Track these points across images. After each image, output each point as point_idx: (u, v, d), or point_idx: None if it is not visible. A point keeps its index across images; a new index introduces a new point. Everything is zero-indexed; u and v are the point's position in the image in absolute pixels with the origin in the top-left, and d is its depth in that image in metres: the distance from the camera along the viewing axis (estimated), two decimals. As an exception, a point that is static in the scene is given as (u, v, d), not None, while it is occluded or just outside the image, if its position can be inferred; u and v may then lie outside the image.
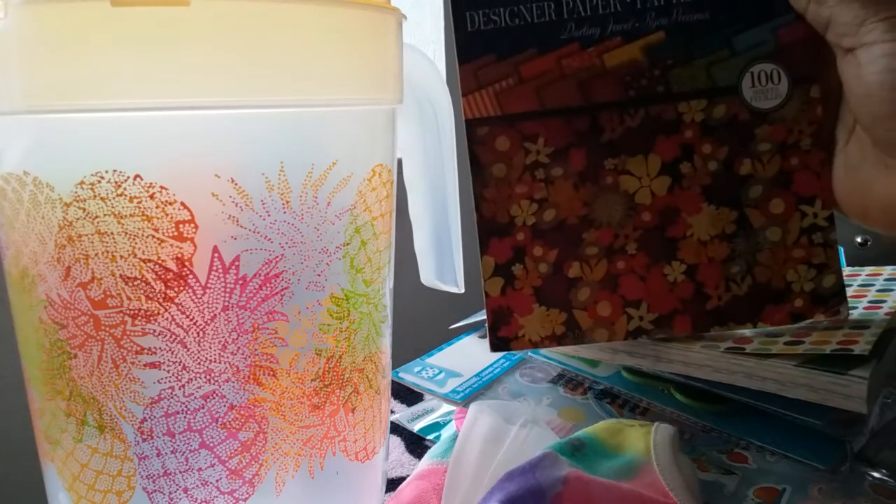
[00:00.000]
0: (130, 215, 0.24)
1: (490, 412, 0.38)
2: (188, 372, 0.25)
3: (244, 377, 0.26)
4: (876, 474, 0.35)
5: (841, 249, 0.48)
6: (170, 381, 0.25)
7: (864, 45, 0.32)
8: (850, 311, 0.43)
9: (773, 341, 0.39)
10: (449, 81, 0.35)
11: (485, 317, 0.49)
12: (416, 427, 0.44)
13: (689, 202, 0.39)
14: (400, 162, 0.36)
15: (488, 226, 0.39)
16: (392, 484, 0.37)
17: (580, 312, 0.39)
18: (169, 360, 0.25)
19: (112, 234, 0.24)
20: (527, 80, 0.39)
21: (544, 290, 0.39)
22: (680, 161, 0.38)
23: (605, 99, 0.38)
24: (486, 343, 0.54)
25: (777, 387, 0.37)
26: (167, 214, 0.24)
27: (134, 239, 0.24)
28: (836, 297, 0.39)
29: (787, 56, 0.37)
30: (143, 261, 0.24)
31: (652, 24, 0.38)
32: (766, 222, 0.38)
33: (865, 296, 0.46)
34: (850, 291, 0.48)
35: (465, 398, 0.46)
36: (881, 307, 0.43)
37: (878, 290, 0.47)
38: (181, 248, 0.24)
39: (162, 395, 0.25)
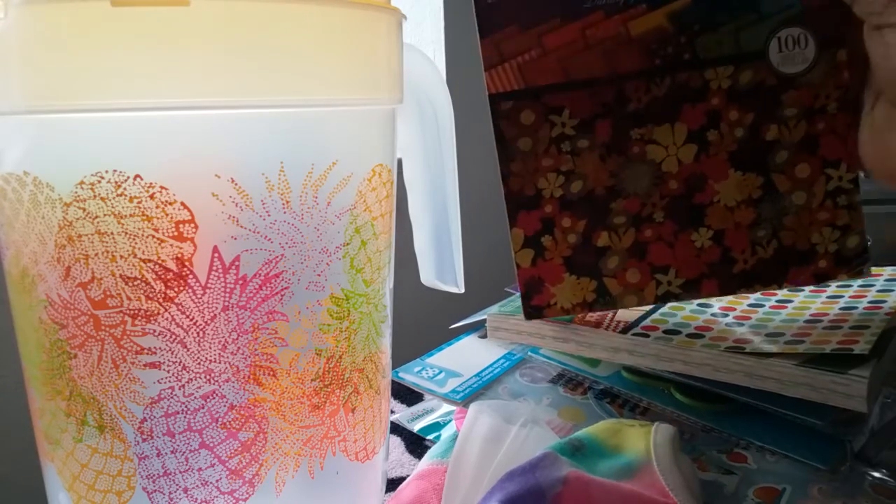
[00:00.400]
0: (130, 215, 0.24)
1: (490, 412, 0.38)
2: (188, 372, 0.25)
3: (244, 377, 0.26)
4: (876, 474, 0.35)
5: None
6: (170, 381, 0.25)
7: (892, 25, 0.32)
8: (850, 312, 0.43)
9: (773, 340, 0.39)
10: (449, 81, 0.35)
11: (485, 317, 0.49)
12: (416, 427, 0.44)
13: (715, 169, 0.39)
14: (400, 162, 0.36)
15: (516, 199, 0.39)
16: (392, 484, 0.37)
17: (610, 280, 0.40)
18: (169, 360, 0.25)
19: (112, 234, 0.24)
20: (550, 52, 0.38)
21: (574, 259, 0.39)
22: (706, 129, 0.38)
23: (631, 68, 0.38)
24: (486, 343, 0.54)
25: (777, 386, 0.37)
26: (167, 214, 0.24)
27: (134, 239, 0.24)
28: (859, 257, 0.39)
29: (813, 19, 0.37)
30: (143, 261, 0.24)
31: None
32: (792, 186, 0.39)
33: (865, 296, 0.46)
34: (850, 291, 0.48)
35: (465, 398, 0.46)
36: (881, 307, 0.43)
37: (879, 291, 0.47)
38: (181, 248, 0.24)
39: (162, 395, 0.25)
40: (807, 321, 0.42)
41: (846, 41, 0.37)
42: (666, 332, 0.42)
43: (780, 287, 0.39)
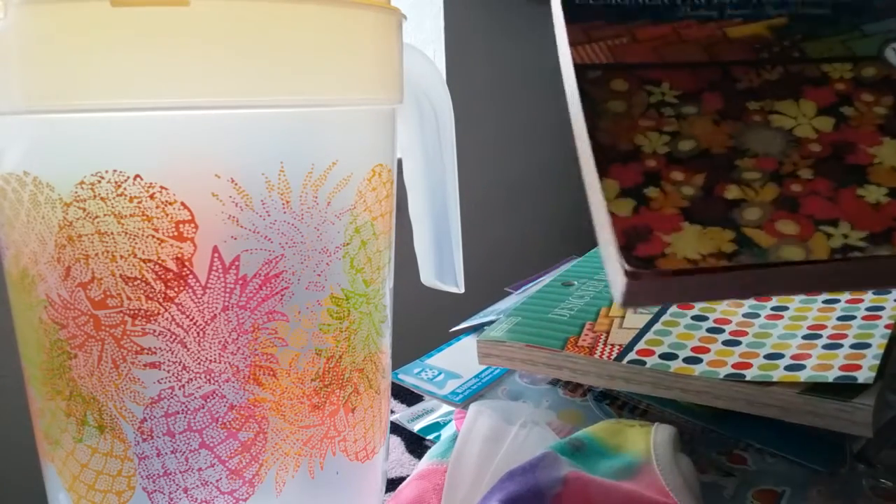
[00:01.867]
0: (130, 215, 0.24)
1: (490, 412, 0.38)
2: (188, 372, 0.25)
3: (244, 377, 0.26)
4: (876, 475, 0.35)
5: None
6: (170, 381, 0.25)
7: None
8: (849, 322, 0.43)
9: (773, 365, 0.39)
10: (449, 81, 0.35)
11: (486, 319, 0.49)
12: (416, 427, 0.44)
13: (864, 137, 0.36)
14: (400, 162, 0.36)
15: (607, 152, 0.35)
16: (392, 484, 0.37)
17: (754, 231, 0.35)
18: (169, 360, 0.25)
19: (112, 234, 0.24)
20: (642, 41, 0.37)
21: (695, 209, 0.34)
22: (839, 105, 0.36)
23: (735, 58, 0.36)
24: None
25: (781, 413, 0.36)
26: (167, 214, 0.24)
27: (134, 239, 0.24)
28: None
29: None
30: (143, 261, 0.24)
31: (771, 13, 0.37)
32: None
33: (862, 300, 0.46)
34: (846, 295, 0.47)
35: (465, 400, 0.46)
36: (881, 316, 0.43)
37: (875, 294, 0.47)
38: (181, 248, 0.24)
39: (162, 395, 0.25)
40: (805, 336, 0.42)
41: None
42: (662, 356, 0.42)
43: None
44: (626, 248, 0.32)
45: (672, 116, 0.35)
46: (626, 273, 0.30)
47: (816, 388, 0.36)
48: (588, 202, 0.35)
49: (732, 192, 0.35)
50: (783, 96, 0.36)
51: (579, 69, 0.36)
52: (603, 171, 0.34)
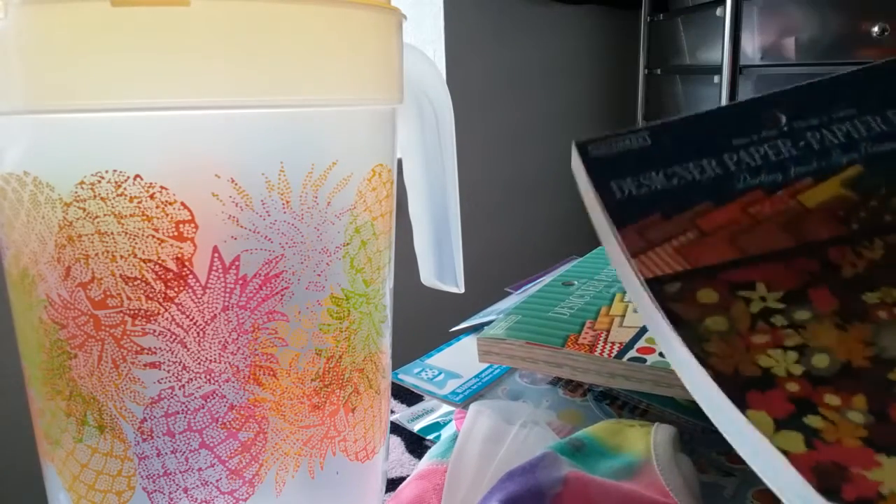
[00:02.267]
0: (130, 215, 0.24)
1: (490, 412, 0.38)
2: (188, 372, 0.25)
3: (244, 377, 0.26)
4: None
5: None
6: (170, 381, 0.25)
7: None
8: None
9: None
10: (449, 81, 0.35)
11: (486, 319, 0.49)
12: (416, 427, 0.44)
13: None
14: (400, 162, 0.36)
15: (735, 381, 0.30)
16: (392, 484, 0.37)
17: None
18: (169, 360, 0.25)
19: (112, 234, 0.24)
20: (712, 233, 0.32)
21: (878, 438, 0.29)
22: None
23: (824, 236, 0.31)
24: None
25: None
26: (167, 214, 0.24)
27: (134, 239, 0.24)
28: None
29: None
30: (143, 261, 0.24)
31: (842, 160, 0.32)
32: None
33: None
34: None
35: (465, 399, 0.46)
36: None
37: None
38: (181, 248, 0.24)
39: (162, 395, 0.25)
40: None
41: None
42: (663, 354, 0.42)
43: None
44: (830, 492, 0.27)
45: (787, 327, 0.30)
46: None
47: None
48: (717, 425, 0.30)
49: None
50: None
51: (653, 284, 0.31)
52: (741, 404, 0.29)
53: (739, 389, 0.30)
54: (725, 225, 0.32)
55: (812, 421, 0.29)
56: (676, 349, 0.30)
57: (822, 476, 0.28)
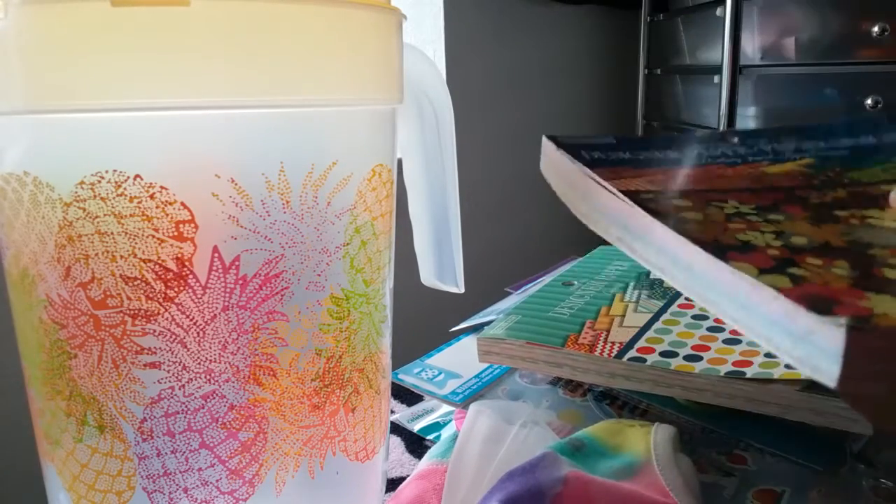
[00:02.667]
0: (130, 215, 0.24)
1: (490, 412, 0.38)
2: (188, 372, 0.25)
3: (244, 377, 0.26)
4: (876, 475, 0.35)
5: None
6: (170, 381, 0.25)
7: None
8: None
9: (773, 363, 0.39)
10: (449, 81, 0.35)
11: (486, 319, 0.49)
12: (416, 427, 0.44)
13: None
14: (400, 162, 0.36)
15: (714, 245, 0.30)
16: (392, 484, 0.37)
17: None
18: (169, 360, 0.25)
19: (112, 234, 0.24)
20: (681, 178, 0.34)
21: (864, 285, 0.28)
22: None
23: (789, 185, 0.34)
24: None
25: (780, 410, 0.36)
26: (167, 214, 0.24)
27: (134, 239, 0.24)
28: None
29: None
30: (143, 261, 0.24)
31: (795, 157, 0.35)
32: None
33: None
34: None
35: (465, 399, 0.46)
36: None
37: None
38: (181, 248, 0.24)
39: (162, 395, 0.25)
40: None
41: None
42: (663, 354, 0.42)
43: None
44: (821, 312, 0.26)
45: (762, 221, 0.31)
46: (851, 328, 0.23)
47: (817, 386, 0.36)
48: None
49: (891, 273, 0.29)
50: (866, 206, 0.32)
51: (631, 195, 0.31)
52: (724, 258, 0.28)
53: (720, 251, 0.29)
54: (694, 176, 0.35)
55: (795, 271, 0.29)
56: (654, 231, 0.30)
57: (811, 302, 0.26)
